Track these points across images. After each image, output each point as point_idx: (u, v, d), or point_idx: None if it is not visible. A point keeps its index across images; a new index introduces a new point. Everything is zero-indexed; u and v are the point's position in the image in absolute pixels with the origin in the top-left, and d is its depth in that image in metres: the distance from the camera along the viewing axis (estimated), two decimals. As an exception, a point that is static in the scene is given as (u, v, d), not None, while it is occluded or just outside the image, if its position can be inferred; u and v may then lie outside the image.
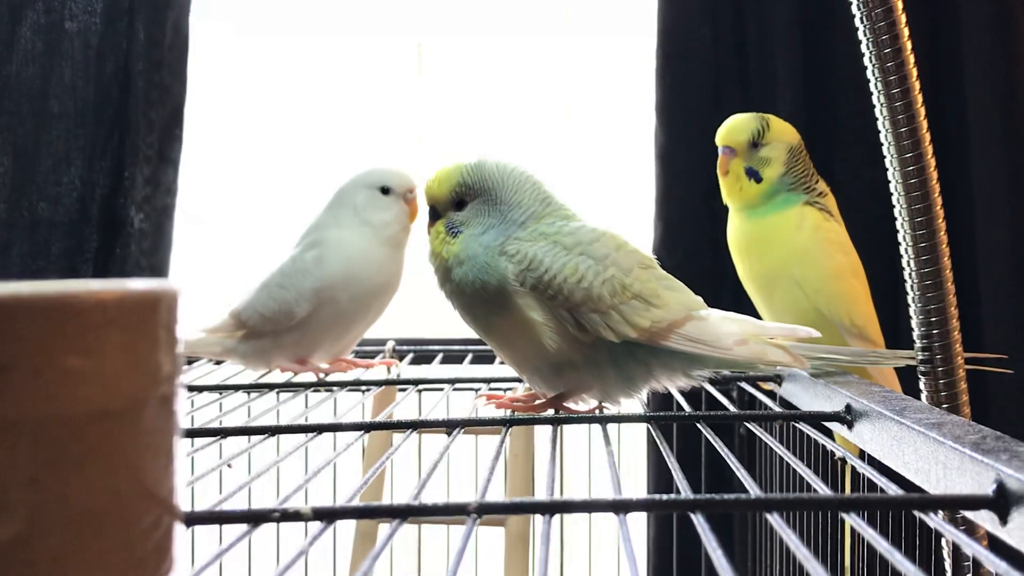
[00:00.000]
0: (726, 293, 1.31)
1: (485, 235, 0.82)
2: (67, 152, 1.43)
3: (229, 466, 0.73)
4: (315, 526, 0.52)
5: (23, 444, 0.34)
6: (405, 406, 1.40)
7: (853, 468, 0.67)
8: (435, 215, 0.85)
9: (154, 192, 1.44)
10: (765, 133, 1.05)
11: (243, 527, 0.52)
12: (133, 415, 0.37)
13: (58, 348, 0.34)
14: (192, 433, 0.78)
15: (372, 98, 1.67)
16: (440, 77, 1.67)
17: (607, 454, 0.66)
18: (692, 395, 1.01)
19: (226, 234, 1.67)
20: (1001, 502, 0.49)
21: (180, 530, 0.40)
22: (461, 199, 0.84)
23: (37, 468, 0.34)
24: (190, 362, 1.19)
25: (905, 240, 0.94)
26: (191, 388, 1.03)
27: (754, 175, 1.05)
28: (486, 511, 0.52)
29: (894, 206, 0.95)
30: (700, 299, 0.86)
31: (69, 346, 0.35)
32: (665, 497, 0.52)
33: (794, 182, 1.04)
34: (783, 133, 1.06)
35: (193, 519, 0.53)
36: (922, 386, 0.96)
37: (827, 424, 0.81)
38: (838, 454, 0.69)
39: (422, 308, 1.64)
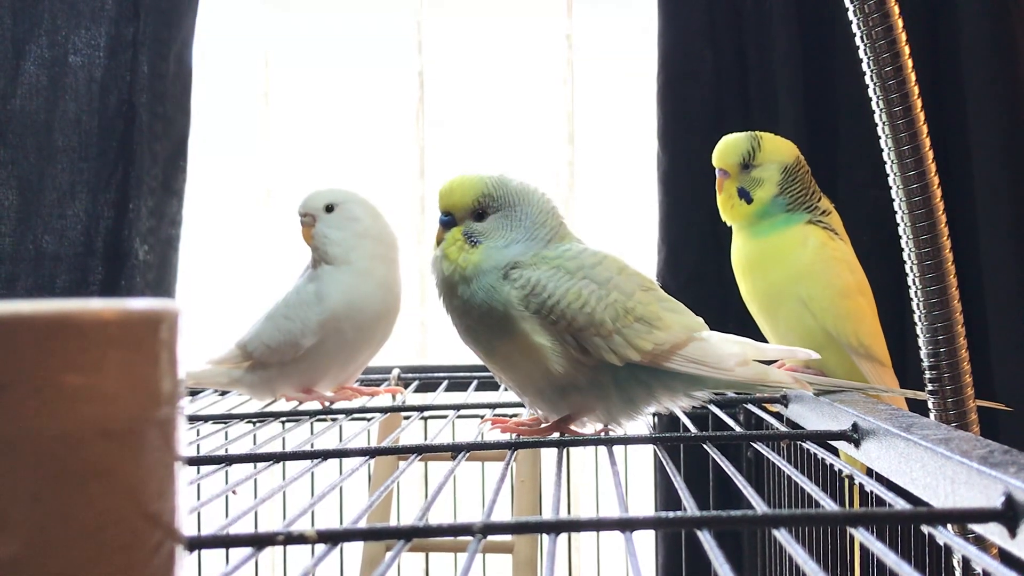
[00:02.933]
0: (731, 315, 1.31)
1: (508, 249, 0.82)
2: (72, 185, 1.43)
3: (234, 492, 0.73)
4: (321, 550, 0.52)
5: (23, 462, 0.34)
6: (410, 433, 1.40)
7: (861, 487, 0.66)
8: (451, 222, 0.84)
9: (159, 224, 1.44)
10: (756, 153, 1.04)
11: (248, 551, 0.52)
12: (134, 435, 0.37)
13: (58, 366, 0.34)
14: (197, 461, 0.77)
15: (374, 128, 1.67)
16: (441, 103, 1.68)
17: (613, 474, 0.66)
18: (699, 417, 1.01)
19: (231, 265, 1.67)
20: (1010, 514, 0.49)
21: (183, 555, 0.40)
22: (483, 210, 0.83)
23: (37, 487, 0.34)
24: (195, 393, 1.19)
25: (910, 259, 0.94)
26: (196, 418, 1.03)
27: (745, 195, 1.04)
28: (491, 531, 0.51)
29: (898, 225, 0.95)
30: (701, 320, 0.85)
31: (70, 364, 0.35)
32: (672, 514, 0.52)
33: (791, 202, 1.04)
34: (776, 152, 1.05)
35: (198, 543, 0.52)
36: (930, 405, 0.96)
37: (834, 443, 0.81)
38: (845, 472, 0.69)
39: (427, 336, 1.65)
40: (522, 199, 0.84)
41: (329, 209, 1.09)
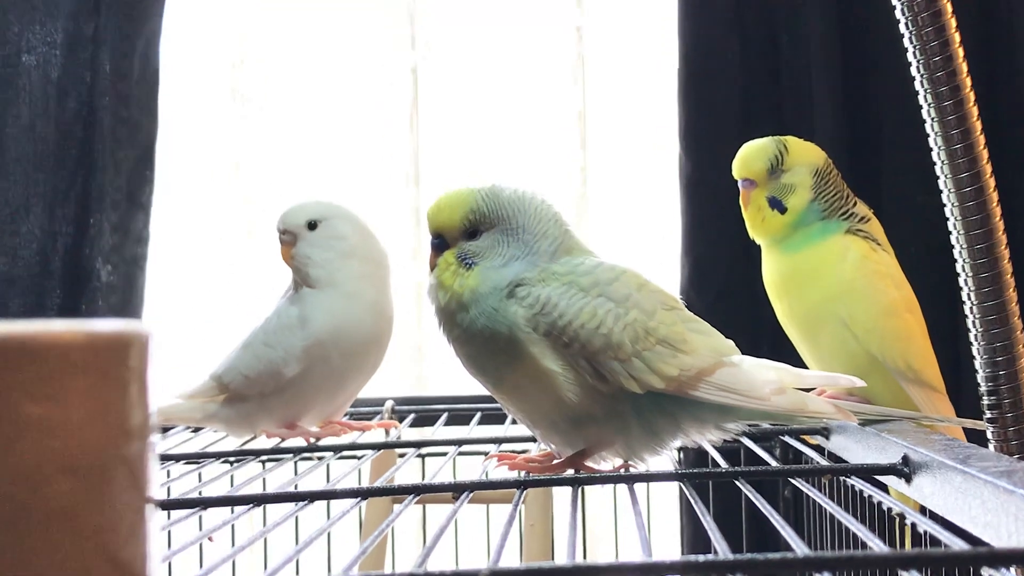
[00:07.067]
0: (765, 338, 1.31)
1: (508, 268, 0.82)
2: (25, 199, 1.44)
3: (210, 539, 0.73)
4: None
5: (-22, 503, 0.34)
6: (406, 472, 1.40)
7: (913, 526, 0.66)
8: (442, 245, 0.84)
9: (123, 241, 1.44)
10: (784, 157, 1.05)
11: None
12: (100, 473, 0.37)
13: (15, 396, 0.34)
14: (169, 505, 0.78)
15: (362, 131, 1.68)
16: (437, 104, 1.69)
17: (635, 515, 0.66)
18: (730, 451, 1.01)
19: (204, 287, 1.67)
20: (1081, 554, 0.49)
21: (154, 606, 0.40)
22: (475, 228, 0.83)
23: (-5, 529, 0.34)
24: (165, 430, 1.19)
25: (964, 270, 0.94)
26: (167, 458, 1.03)
27: (777, 205, 1.05)
28: (499, 579, 0.51)
29: (951, 234, 0.95)
30: (731, 343, 0.86)
31: (27, 394, 0.35)
32: (702, 558, 0.52)
33: (827, 208, 1.04)
34: (805, 154, 1.06)
35: (170, 595, 0.52)
36: (989, 435, 0.96)
37: (882, 479, 0.81)
38: (895, 510, 0.69)
39: (424, 363, 1.65)
40: (518, 210, 0.84)
41: (311, 226, 1.09)
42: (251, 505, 0.77)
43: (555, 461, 0.86)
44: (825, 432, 1.00)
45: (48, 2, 1.45)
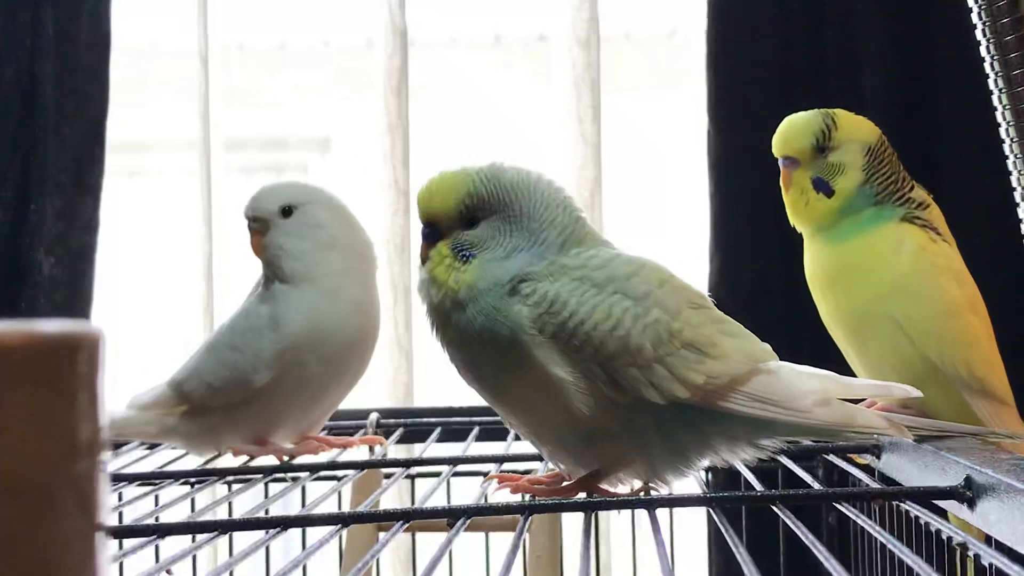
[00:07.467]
0: (806, 341, 1.31)
1: (510, 260, 0.82)
2: (-45, 181, 1.44)
3: (168, 572, 0.73)
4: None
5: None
6: (393, 495, 1.40)
7: (977, 558, 0.66)
8: (434, 235, 0.84)
9: (69, 229, 1.45)
10: (832, 133, 1.05)
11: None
12: (44, 495, 0.37)
13: (-52, 407, 0.35)
14: (122, 532, 0.78)
15: (343, 102, 1.68)
16: (428, 71, 1.68)
17: (657, 545, 0.66)
18: (765, 472, 1.01)
19: (162, 282, 1.68)
20: None
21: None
22: (472, 215, 0.83)
23: (-78, 561, 0.34)
24: (118, 446, 1.20)
25: (1036, 264, 0.94)
26: (119, 478, 1.04)
27: (823, 187, 1.05)
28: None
29: (1022, 223, 0.95)
30: (768, 347, 0.86)
31: (-38, 405, 0.35)
32: (733, 595, 0.52)
33: (880, 192, 1.04)
34: (856, 130, 1.06)
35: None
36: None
37: (941, 503, 0.81)
38: (956, 539, 0.69)
39: (414, 371, 1.65)
40: (522, 194, 0.84)
41: (286, 212, 1.09)
42: (215, 533, 0.77)
43: (564, 483, 0.86)
44: (876, 450, 1.00)
45: (-19, -46, 1.45)
